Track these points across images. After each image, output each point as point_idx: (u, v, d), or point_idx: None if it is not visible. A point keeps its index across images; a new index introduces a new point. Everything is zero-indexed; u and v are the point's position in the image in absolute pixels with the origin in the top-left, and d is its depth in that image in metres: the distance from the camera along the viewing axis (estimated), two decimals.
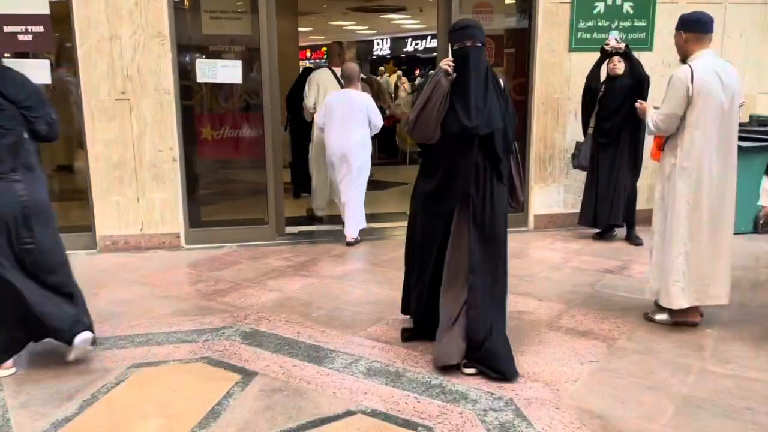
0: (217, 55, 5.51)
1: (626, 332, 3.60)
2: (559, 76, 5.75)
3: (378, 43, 24.69)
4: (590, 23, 5.70)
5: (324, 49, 27.98)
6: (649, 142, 5.26)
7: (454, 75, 2.94)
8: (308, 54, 28.82)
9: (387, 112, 10.19)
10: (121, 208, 5.29)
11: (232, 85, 5.60)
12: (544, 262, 4.98)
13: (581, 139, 5.59)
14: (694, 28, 3.46)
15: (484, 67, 2.99)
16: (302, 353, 3.33)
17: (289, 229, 5.90)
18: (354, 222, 5.55)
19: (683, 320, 3.67)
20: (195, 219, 5.56)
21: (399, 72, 16.49)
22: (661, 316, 3.73)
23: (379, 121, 5.51)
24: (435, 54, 23.55)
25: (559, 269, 4.80)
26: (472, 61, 2.94)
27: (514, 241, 5.60)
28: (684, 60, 3.53)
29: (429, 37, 22.08)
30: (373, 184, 7.61)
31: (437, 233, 3.14)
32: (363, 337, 3.55)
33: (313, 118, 6.03)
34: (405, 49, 23.38)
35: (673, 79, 3.46)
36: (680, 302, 3.58)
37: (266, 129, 5.52)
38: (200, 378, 3.09)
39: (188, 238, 5.47)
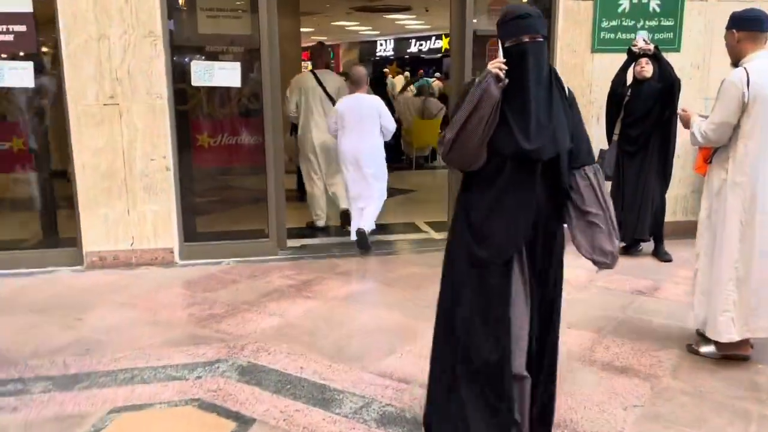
0: (214, 57, 5.13)
1: (669, 368, 3.21)
2: (581, 79, 5.36)
3: (381, 44, 24.34)
4: (614, 22, 5.31)
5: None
6: (683, 151, 4.87)
7: (507, 81, 2.15)
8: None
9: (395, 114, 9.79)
10: (110, 222, 4.90)
11: (230, 89, 5.22)
12: (567, 281, 4.52)
13: (605, 146, 5.20)
14: (749, 27, 3.07)
15: (546, 69, 2.24)
16: (306, 394, 2.95)
17: (291, 242, 5.52)
18: (370, 218, 5.41)
19: (732, 353, 3.28)
20: (190, 233, 5.17)
21: (406, 74, 16.11)
22: (707, 349, 3.34)
23: (391, 125, 5.35)
24: (440, 55, 23.11)
25: (585, 289, 4.41)
26: (532, 62, 2.18)
27: None
28: (736, 63, 3.14)
29: (433, 38, 21.72)
30: None
31: (491, 296, 2.28)
32: (374, 374, 3.16)
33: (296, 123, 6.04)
34: (409, 50, 23.03)
35: (725, 84, 3.07)
36: (730, 335, 3.19)
37: (267, 135, 5.14)
38: (190, 426, 2.70)
39: (183, 253, 5.09)
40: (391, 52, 23.92)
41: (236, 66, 5.04)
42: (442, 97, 11.15)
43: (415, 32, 21.28)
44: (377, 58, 24.75)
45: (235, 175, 5.69)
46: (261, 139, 5.18)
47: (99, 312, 4.03)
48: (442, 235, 5.82)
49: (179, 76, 4.99)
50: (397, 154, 10.43)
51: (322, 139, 5.87)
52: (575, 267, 4.93)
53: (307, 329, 3.73)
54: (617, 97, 4.99)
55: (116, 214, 4.90)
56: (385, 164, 5.51)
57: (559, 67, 5.32)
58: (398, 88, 13.13)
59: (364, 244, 5.31)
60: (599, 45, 5.32)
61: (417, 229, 6.25)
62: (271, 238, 5.28)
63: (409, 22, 17.72)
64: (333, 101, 5.77)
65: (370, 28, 19.61)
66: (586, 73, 5.35)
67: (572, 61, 5.32)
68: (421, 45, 22.41)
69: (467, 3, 5.20)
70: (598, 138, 5.36)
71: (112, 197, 4.87)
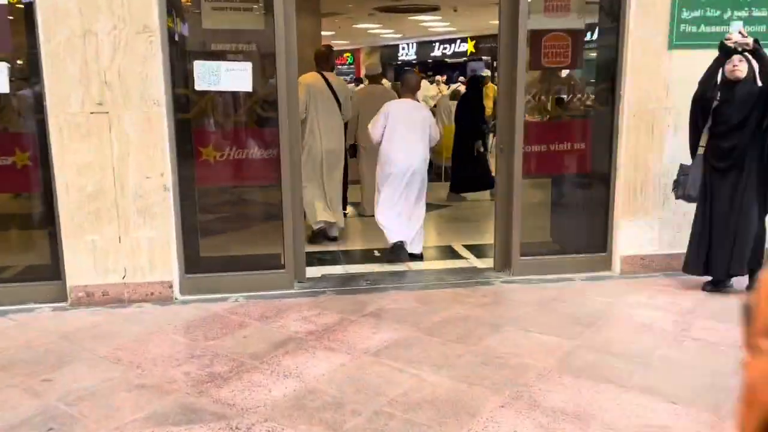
0: (221, 56, 4.36)
1: None
2: (656, 81, 4.50)
3: (403, 48, 23.58)
4: (697, 13, 4.45)
5: (347, 54, 27.00)
6: None
7: None
8: None
9: None
10: (99, 250, 4.15)
11: (240, 94, 4.45)
12: (651, 329, 3.72)
13: (687, 161, 4.34)
14: None
15: None
16: None
17: (311, 271, 4.72)
18: (419, 237, 5.18)
19: None
20: (192, 263, 4.41)
21: (437, 78, 15.35)
22: None
23: (436, 133, 5.12)
24: (464, 59, 22.34)
25: (679, 343, 3.53)
26: None
27: (598, 291, 4.38)
28: None
29: (458, 41, 20.90)
30: None
31: None
32: None
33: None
34: (432, 54, 22.23)
35: None
36: None
37: (283, 148, 4.36)
38: None
39: (183, 287, 4.32)
40: (414, 56, 23.15)
41: (247, 67, 4.27)
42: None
43: (439, 35, 20.47)
44: (399, 62, 23.99)
45: (246, 194, 4.91)
46: (276, 152, 4.40)
47: (74, 369, 3.26)
48: (486, 263, 4.99)
49: (179, 79, 4.24)
50: None
51: (331, 146, 5.61)
52: (653, 308, 4.11)
53: (331, 399, 2.91)
54: (705, 101, 4.13)
55: (106, 241, 4.14)
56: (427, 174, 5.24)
57: (630, 68, 4.47)
58: (430, 98, 12.38)
59: (399, 254, 5.03)
60: (678, 40, 4.45)
61: (455, 254, 5.43)
62: (287, 268, 4.48)
63: (433, 23, 16.93)
64: (340, 106, 5.69)
65: (393, 30, 18.85)
66: (662, 73, 4.49)
67: (645, 60, 4.46)
68: (445, 48, 21.58)
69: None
70: (677, 152, 4.50)
71: (101, 222, 4.12)
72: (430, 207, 7.32)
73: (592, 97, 4.72)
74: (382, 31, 18.86)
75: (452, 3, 11.97)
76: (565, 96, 4.70)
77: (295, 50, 4.39)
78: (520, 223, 4.62)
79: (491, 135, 12.01)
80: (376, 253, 5.43)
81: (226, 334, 3.70)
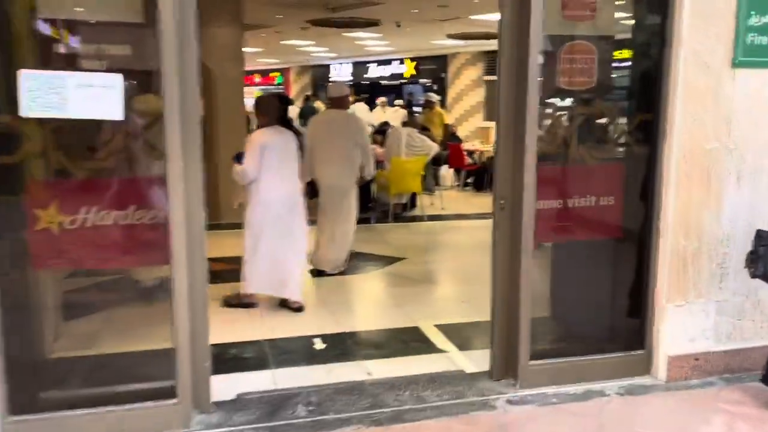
0: (71, 64, 2.74)
1: None
2: (714, 111, 3.21)
3: (336, 68, 22.19)
4: None
5: (275, 74, 25.34)
6: None
7: None
8: (257, 79, 26.08)
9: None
10: None
11: (105, 125, 2.83)
12: None
13: (763, 223, 3.06)
14: None
15: None
16: None
17: (220, 389, 3.10)
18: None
19: None
20: (19, 399, 2.70)
21: (383, 99, 14.16)
22: None
23: None
24: (402, 81, 21.39)
25: None
26: None
27: (642, 419, 2.99)
28: None
29: (396, 62, 19.73)
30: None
31: None
32: None
33: None
34: (366, 75, 20.95)
35: None
36: None
37: (173, 207, 2.76)
38: None
39: None
40: (348, 77, 21.79)
41: (114, 82, 2.66)
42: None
43: (376, 55, 19.20)
44: (332, 83, 22.59)
45: (113, 282, 3.24)
46: (163, 215, 2.79)
47: None
48: (475, 361, 3.54)
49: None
50: (364, 200, 7.98)
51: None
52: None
53: None
54: None
55: None
56: None
57: (681, 92, 3.16)
58: (376, 118, 11.06)
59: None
60: (745, 55, 3.19)
61: (427, 344, 3.94)
62: (181, 397, 2.85)
63: (371, 42, 15.61)
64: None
65: (327, 48, 17.41)
66: (724, 100, 3.21)
67: (701, 81, 3.17)
68: (382, 69, 20.31)
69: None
70: (741, 210, 3.23)
71: None
72: (381, 259, 5.88)
73: (626, 132, 3.37)
74: (315, 49, 17.39)
75: (395, 17, 10.65)
76: (589, 129, 3.31)
77: (195, 52, 2.80)
78: (529, 313, 3.20)
79: (448, 166, 10.70)
80: (318, 345, 3.89)
81: None
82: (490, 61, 16.51)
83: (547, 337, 3.54)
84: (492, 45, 15.61)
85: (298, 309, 4.46)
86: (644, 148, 3.32)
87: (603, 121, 3.32)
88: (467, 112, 17.22)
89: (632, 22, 3.42)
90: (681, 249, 3.28)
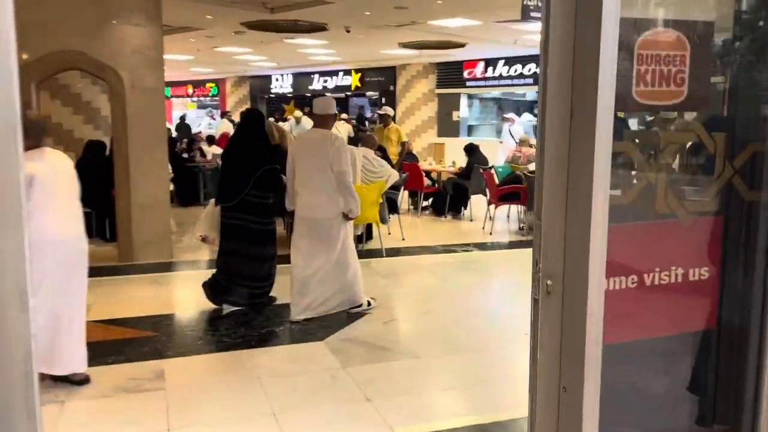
0: None
1: None
2: None
3: (277, 79, 20.81)
4: None
5: (210, 85, 23.68)
6: None
7: None
8: (190, 90, 24.33)
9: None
10: None
11: None
12: None
13: None
14: None
15: None
16: None
17: None
18: None
19: None
20: None
21: (343, 116, 13.12)
22: None
23: None
24: (348, 93, 20.37)
25: None
26: None
27: None
28: None
29: (341, 73, 18.54)
30: None
31: None
32: None
33: None
34: (311, 87, 19.67)
35: None
36: None
37: None
38: None
39: None
40: (290, 89, 20.45)
41: None
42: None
43: (320, 65, 17.94)
44: (272, 95, 21.18)
45: None
46: None
47: None
48: None
49: None
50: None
51: None
52: None
53: None
54: None
55: None
56: None
57: None
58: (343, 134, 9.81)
59: None
60: None
61: None
62: None
63: (314, 50, 14.36)
64: None
65: (266, 57, 16.03)
66: None
67: None
68: (325, 81, 19.06)
69: None
70: None
71: None
72: (328, 318, 4.52)
73: (732, 169, 2.23)
74: (252, 57, 15.97)
75: (345, 21, 9.43)
76: (684, 167, 2.14)
77: (12, 52, 1.47)
78: None
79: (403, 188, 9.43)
80: None
81: None
82: (443, 72, 15.59)
83: None
84: (446, 56, 14.68)
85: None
86: (756, 194, 2.19)
87: (701, 153, 2.17)
88: (419, 128, 16.22)
89: (735, 7, 2.28)
90: None
